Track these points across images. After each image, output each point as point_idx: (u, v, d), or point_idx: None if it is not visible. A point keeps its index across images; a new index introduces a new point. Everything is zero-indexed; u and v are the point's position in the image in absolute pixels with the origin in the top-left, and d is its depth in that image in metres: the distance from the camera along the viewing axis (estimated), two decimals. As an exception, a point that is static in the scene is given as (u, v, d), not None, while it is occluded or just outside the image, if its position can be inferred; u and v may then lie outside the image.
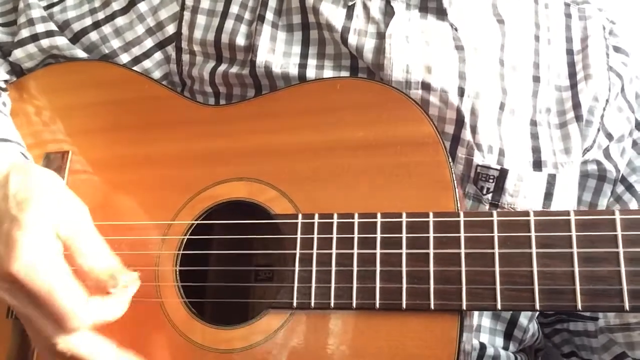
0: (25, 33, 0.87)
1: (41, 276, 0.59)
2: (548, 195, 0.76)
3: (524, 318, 0.79)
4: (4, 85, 0.86)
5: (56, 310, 0.59)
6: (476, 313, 0.77)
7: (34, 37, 0.87)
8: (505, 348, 0.79)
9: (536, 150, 0.76)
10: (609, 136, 0.80)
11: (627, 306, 0.58)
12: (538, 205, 0.75)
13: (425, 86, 0.75)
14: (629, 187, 0.81)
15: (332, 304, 0.65)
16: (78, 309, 0.60)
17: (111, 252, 0.65)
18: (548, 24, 0.83)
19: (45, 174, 0.66)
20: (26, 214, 0.61)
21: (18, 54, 0.87)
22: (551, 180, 0.75)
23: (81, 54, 0.87)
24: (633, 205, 0.80)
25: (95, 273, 0.63)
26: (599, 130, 0.79)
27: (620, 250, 0.59)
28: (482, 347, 0.76)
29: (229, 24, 0.83)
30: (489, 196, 0.75)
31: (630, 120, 0.82)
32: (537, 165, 0.76)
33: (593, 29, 0.83)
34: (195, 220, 0.73)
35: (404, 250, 0.64)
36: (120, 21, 0.87)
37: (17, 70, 0.90)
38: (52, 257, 0.61)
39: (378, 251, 0.65)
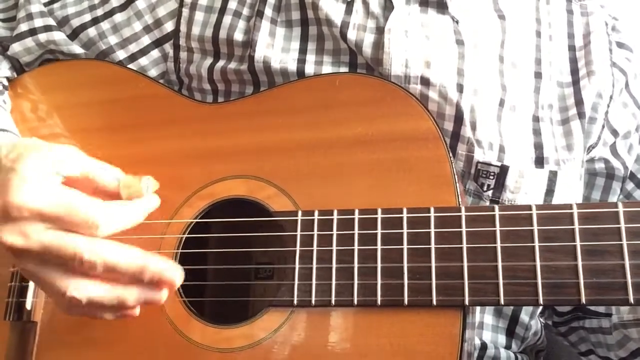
0: (23, 27, 0.87)
1: (53, 194, 0.59)
2: (549, 192, 0.75)
3: (525, 315, 0.78)
4: (6, 83, 0.86)
5: (80, 218, 0.59)
6: (478, 310, 0.76)
7: (32, 32, 0.87)
8: (508, 346, 0.78)
9: (538, 147, 0.75)
10: (615, 133, 0.79)
11: (631, 299, 0.57)
12: (539, 202, 0.75)
13: (424, 81, 0.74)
14: (639, 184, 0.81)
15: (333, 301, 0.64)
16: (99, 210, 0.60)
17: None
18: (549, 20, 0.82)
19: (30, 139, 0.66)
20: (21, 163, 0.60)
21: (16, 47, 0.87)
22: (552, 177, 0.75)
23: (78, 49, 0.87)
24: None
25: (122, 181, 0.64)
26: (603, 126, 0.78)
27: (624, 242, 0.58)
28: (483, 346, 0.76)
29: (227, 19, 0.83)
30: (490, 193, 0.74)
31: (635, 116, 0.81)
32: (539, 161, 0.75)
33: (595, 25, 0.83)
34: (194, 219, 0.73)
35: (405, 246, 0.63)
36: (118, 17, 0.87)
37: (16, 66, 0.90)
38: (56, 182, 0.61)
39: (379, 247, 0.64)
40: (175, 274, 0.62)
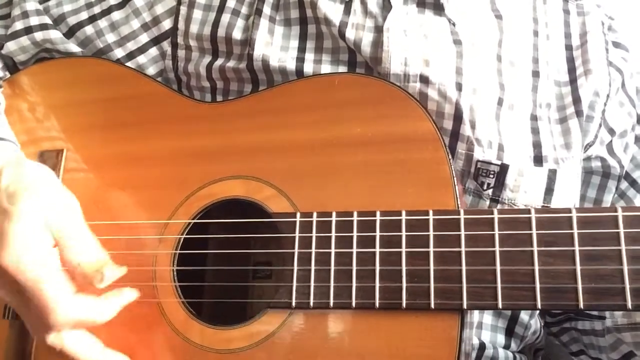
0: (19, 25, 0.86)
1: (29, 268, 0.60)
2: (549, 191, 0.75)
3: (525, 314, 0.78)
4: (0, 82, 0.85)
5: (42, 302, 0.60)
6: (477, 310, 0.76)
7: (28, 30, 0.86)
8: (507, 346, 0.79)
9: (537, 145, 0.75)
10: (611, 131, 0.79)
11: (629, 305, 0.57)
12: (539, 200, 0.75)
13: (424, 79, 0.74)
14: (633, 183, 0.81)
15: (331, 304, 0.64)
16: (62, 303, 0.61)
17: (100, 248, 0.66)
18: (546, 19, 0.82)
19: (38, 168, 0.67)
20: (17, 206, 0.61)
21: (11, 46, 0.86)
22: (552, 175, 0.75)
23: (75, 48, 0.87)
24: (637, 201, 0.79)
25: (81, 268, 0.64)
26: (600, 125, 0.78)
27: (623, 248, 0.58)
28: (482, 346, 0.76)
29: (226, 17, 0.82)
30: (490, 192, 0.74)
31: (631, 115, 0.81)
32: (538, 160, 0.75)
33: (592, 24, 0.83)
34: (192, 219, 0.72)
35: (403, 249, 0.63)
36: (116, 15, 0.87)
37: (9, 65, 0.89)
38: (41, 250, 0.62)
39: (377, 250, 0.64)
40: None
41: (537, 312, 0.81)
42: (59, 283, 0.61)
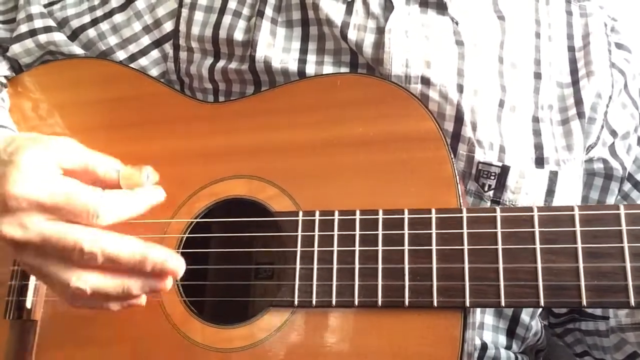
0: (23, 28, 0.87)
1: (51, 185, 0.59)
2: (550, 192, 0.75)
3: (526, 315, 0.78)
4: (4, 81, 0.86)
5: (80, 207, 0.59)
6: (479, 311, 0.76)
7: (32, 33, 0.86)
8: (508, 347, 0.79)
9: (538, 147, 0.75)
10: (614, 133, 0.79)
11: (632, 302, 0.57)
12: (540, 202, 0.75)
13: (425, 81, 0.75)
14: (636, 184, 0.81)
15: (333, 302, 0.64)
16: (99, 199, 0.59)
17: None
18: (549, 20, 0.83)
19: (29, 133, 0.66)
20: (19, 156, 0.60)
21: (16, 49, 0.87)
22: (553, 177, 0.75)
23: (78, 50, 0.87)
24: None
25: (123, 170, 0.64)
26: (602, 127, 0.78)
27: (625, 245, 0.58)
28: (484, 347, 0.76)
29: (227, 19, 0.83)
30: (490, 193, 0.74)
31: (634, 116, 0.82)
32: (540, 162, 0.75)
33: (594, 26, 0.83)
34: (195, 219, 0.72)
35: (406, 247, 0.63)
36: (118, 18, 0.87)
37: (15, 67, 0.90)
38: (55, 173, 0.60)
39: (380, 248, 0.64)
40: (178, 263, 0.61)
41: (538, 313, 0.81)
42: (87, 186, 0.60)
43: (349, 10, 0.79)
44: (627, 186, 0.81)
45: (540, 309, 0.81)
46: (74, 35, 0.88)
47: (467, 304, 0.61)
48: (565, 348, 0.90)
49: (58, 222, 0.59)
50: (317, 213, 0.67)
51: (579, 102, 0.78)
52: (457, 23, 0.78)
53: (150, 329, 0.70)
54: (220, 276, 0.76)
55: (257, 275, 0.83)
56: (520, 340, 0.79)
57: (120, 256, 0.59)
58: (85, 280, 0.60)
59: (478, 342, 0.76)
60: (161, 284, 0.62)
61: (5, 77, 0.87)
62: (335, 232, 0.66)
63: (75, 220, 0.59)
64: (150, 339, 0.70)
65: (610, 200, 0.81)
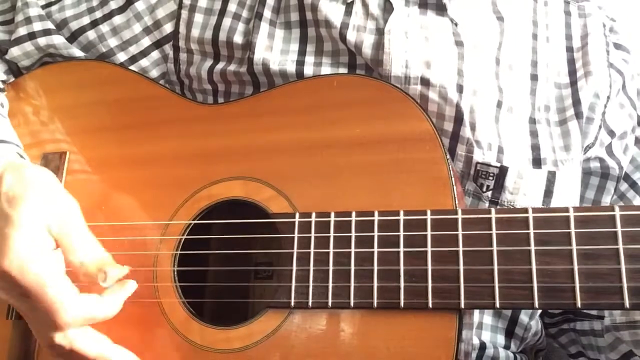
0: (22, 31, 0.87)
1: (33, 271, 0.61)
2: (548, 193, 0.75)
3: (524, 315, 0.78)
4: (2, 86, 0.86)
5: (47, 305, 0.61)
6: (477, 311, 0.76)
7: (31, 35, 0.87)
8: (507, 347, 0.79)
9: (535, 148, 0.75)
10: (611, 133, 0.79)
11: (627, 304, 0.57)
12: (538, 202, 0.75)
13: (425, 81, 0.75)
14: (633, 185, 0.81)
15: (329, 303, 0.64)
16: (68, 303, 0.61)
17: (101, 248, 0.66)
18: (547, 21, 0.82)
19: (39, 171, 0.67)
20: (17, 211, 0.62)
21: (15, 52, 0.87)
22: (551, 177, 0.75)
23: (78, 52, 0.87)
24: (637, 202, 0.79)
25: (84, 267, 0.64)
26: (600, 127, 0.78)
27: (620, 246, 0.58)
28: (482, 346, 0.76)
29: (227, 22, 0.83)
30: (489, 194, 0.74)
31: (632, 116, 0.81)
32: (537, 162, 0.75)
33: (593, 26, 0.83)
34: (193, 220, 0.73)
35: (401, 249, 0.63)
36: (117, 20, 0.87)
37: (14, 70, 0.90)
38: (43, 253, 0.62)
39: (375, 250, 0.64)
40: None
41: (538, 313, 0.81)
42: (63, 284, 0.62)
43: (348, 12, 0.79)
44: (623, 186, 0.81)
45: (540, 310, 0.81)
46: (73, 37, 0.88)
47: (462, 305, 0.61)
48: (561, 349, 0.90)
49: (24, 301, 0.62)
50: (314, 215, 0.67)
51: (577, 102, 0.78)
52: (456, 24, 0.78)
53: (149, 331, 0.71)
54: (218, 277, 0.77)
55: (255, 276, 0.84)
56: (518, 340, 0.79)
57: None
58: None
59: (476, 341, 0.76)
60: None
61: (3, 81, 0.87)
62: (331, 234, 0.66)
63: (40, 307, 0.62)
64: (150, 340, 0.71)
65: (606, 199, 0.81)
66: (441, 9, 0.79)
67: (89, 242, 0.66)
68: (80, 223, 0.66)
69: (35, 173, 0.66)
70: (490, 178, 0.74)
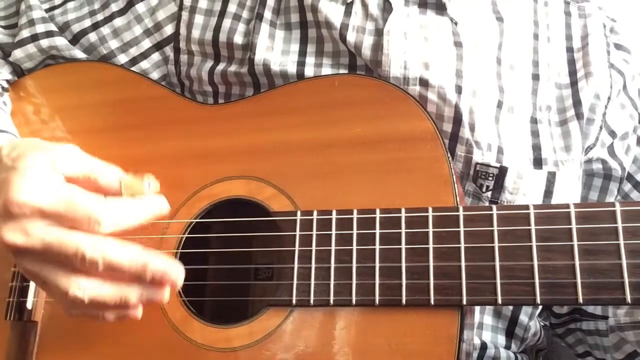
0: (25, 33, 0.87)
1: (54, 191, 0.58)
2: (548, 193, 0.75)
3: (524, 316, 0.78)
4: (6, 85, 0.87)
5: (82, 214, 0.58)
6: (477, 311, 0.76)
7: (34, 37, 0.87)
8: (507, 347, 0.78)
9: (536, 148, 0.76)
10: (613, 134, 0.79)
11: (628, 299, 0.57)
12: (537, 203, 0.75)
13: (423, 82, 0.75)
14: (637, 185, 0.81)
15: (331, 301, 0.64)
16: (101, 206, 0.59)
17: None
18: (547, 21, 0.83)
19: (31, 139, 0.66)
20: (22, 162, 0.60)
21: (18, 54, 0.88)
22: (551, 178, 0.75)
23: (80, 54, 0.88)
24: None
25: (125, 180, 0.63)
26: (601, 127, 0.78)
27: (621, 242, 0.58)
28: (483, 346, 0.76)
29: (227, 23, 0.83)
30: (489, 194, 0.75)
31: (633, 117, 0.81)
32: (538, 162, 0.75)
33: (593, 26, 0.83)
34: (194, 219, 0.73)
35: (403, 246, 0.63)
36: (118, 22, 0.88)
37: (17, 72, 0.91)
38: (58, 180, 0.60)
39: (377, 247, 0.64)
40: (178, 273, 0.61)
41: (537, 313, 0.81)
42: (90, 193, 0.60)
43: (348, 12, 0.79)
44: (627, 186, 0.81)
45: (539, 309, 0.81)
46: (75, 40, 0.89)
47: (464, 302, 0.61)
48: (566, 348, 0.90)
49: (60, 228, 0.59)
50: (315, 213, 0.67)
51: (577, 103, 0.78)
52: (456, 23, 0.78)
53: (149, 329, 0.71)
54: (219, 276, 0.77)
55: (257, 275, 0.83)
56: (519, 340, 0.79)
57: (121, 264, 0.59)
58: (84, 288, 0.60)
59: (477, 341, 0.76)
60: (160, 294, 0.62)
61: (7, 80, 0.88)
62: (333, 232, 0.66)
63: (77, 227, 0.59)
64: (150, 339, 0.71)
65: (610, 200, 0.81)
66: (441, 9, 0.79)
67: (111, 167, 0.64)
68: (91, 157, 0.64)
69: (31, 139, 0.65)
70: (490, 178, 0.74)
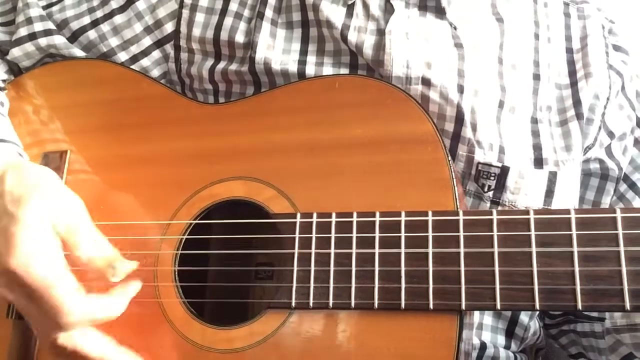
0: (23, 32, 0.87)
1: (38, 271, 0.60)
2: (549, 193, 0.75)
3: (524, 316, 0.79)
4: (2, 85, 0.86)
5: (52, 305, 0.60)
6: (477, 311, 0.76)
7: (32, 36, 0.87)
8: (507, 347, 0.79)
9: (537, 148, 0.75)
10: (611, 134, 0.79)
11: (628, 306, 0.57)
12: (539, 202, 0.75)
13: (426, 82, 0.75)
14: (632, 185, 0.81)
15: (330, 304, 0.64)
16: (74, 304, 0.61)
17: (109, 244, 0.66)
18: (547, 22, 0.83)
19: (41, 170, 0.67)
20: (23, 210, 0.61)
21: (16, 52, 0.87)
22: (552, 177, 0.75)
23: (79, 52, 0.87)
24: (636, 203, 0.79)
25: (94, 263, 0.64)
26: (600, 128, 0.78)
27: (621, 249, 0.58)
28: (483, 346, 0.76)
29: (228, 21, 0.83)
30: (490, 194, 0.74)
31: (631, 118, 0.82)
32: (538, 162, 0.75)
33: (592, 28, 0.83)
34: (194, 220, 0.73)
35: (402, 250, 0.63)
36: (118, 19, 0.87)
37: (15, 70, 0.90)
38: (49, 252, 0.61)
39: (377, 251, 0.64)
40: None
41: (537, 313, 0.81)
42: (69, 283, 0.61)
43: (349, 13, 0.79)
44: (622, 187, 0.81)
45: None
46: (73, 37, 0.88)
47: (463, 307, 0.61)
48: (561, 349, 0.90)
49: (27, 302, 0.61)
50: (315, 215, 0.67)
51: (577, 103, 0.78)
52: (455, 28, 0.78)
53: (150, 330, 0.71)
54: (219, 277, 0.77)
55: (256, 276, 0.84)
56: (519, 340, 0.80)
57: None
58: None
59: (477, 341, 0.76)
60: None
61: (4, 80, 0.87)
62: (333, 234, 0.66)
63: (43, 309, 0.61)
64: (150, 340, 0.71)
65: (606, 200, 0.81)
66: (440, 13, 0.79)
67: (96, 238, 0.65)
68: (86, 219, 0.66)
69: (37, 172, 0.66)
70: (492, 178, 0.74)
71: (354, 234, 0.65)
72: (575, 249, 0.59)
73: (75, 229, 0.64)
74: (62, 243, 0.63)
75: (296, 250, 0.67)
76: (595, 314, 0.81)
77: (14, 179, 0.64)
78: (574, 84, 0.79)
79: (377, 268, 0.64)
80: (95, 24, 0.88)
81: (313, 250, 0.66)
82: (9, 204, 0.62)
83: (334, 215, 0.66)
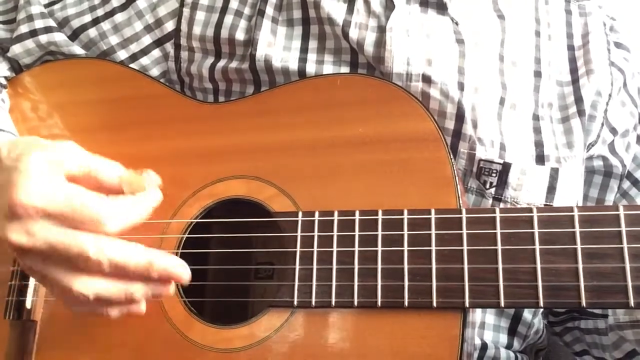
0: (24, 29, 0.87)
1: (57, 192, 0.58)
2: (551, 189, 0.75)
3: (528, 313, 0.78)
4: (4, 82, 0.86)
5: (86, 215, 0.58)
6: (479, 310, 0.76)
7: (33, 33, 0.87)
8: (509, 345, 0.79)
9: (539, 145, 0.75)
10: (613, 131, 0.79)
11: (631, 302, 0.57)
12: (541, 199, 0.75)
13: (426, 79, 0.75)
14: (635, 182, 0.81)
15: (333, 303, 0.64)
16: (104, 207, 0.59)
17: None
18: (548, 19, 0.83)
19: (30, 137, 0.65)
20: (24, 162, 0.59)
21: (16, 49, 0.87)
22: (554, 174, 0.75)
23: (79, 50, 0.87)
24: (639, 200, 0.79)
25: (125, 177, 0.63)
26: (602, 125, 0.78)
27: (625, 246, 0.58)
28: (484, 346, 0.76)
29: (229, 19, 0.83)
30: (492, 190, 0.74)
31: (633, 114, 0.82)
32: (540, 159, 0.75)
33: (593, 25, 0.83)
34: (195, 219, 0.72)
35: (405, 248, 0.63)
36: (119, 17, 0.87)
37: (15, 67, 0.90)
38: (60, 180, 0.60)
39: (379, 249, 0.64)
40: (182, 270, 0.61)
41: (541, 311, 0.81)
42: (93, 193, 0.59)
43: (350, 9, 0.79)
44: (626, 184, 0.81)
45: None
46: (74, 35, 0.88)
47: (467, 304, 0.60)
48: (565, 348, 0.90)
49: (64, 229, 0.59)
50: (317, 213, 0.67)
51: (579, 100, 0.78)
52: (457, 23, 0.78)
53: (150, 330, 0.70)
54: (220, 276, 0.76)
55: (257, 275, 0.83)
56: (521, 338, 0.79)
57: (127, 264, 0.59)
58: (89, 286, 0.59)
59: (478, 341, 0.76)
60: (164, 290, 0.62)
61: (5, 77, 0.87)
62: (335, 233, 0.66)
63: (82, 227, 0.59)
64: (150, 339, 0.70)
65: (610, 197, 0.81)
66: (442, 8, 0.79)
67: (110, 161, 0.63)
68: (90, 154, 0.63)
69: (29, 138, 0.65)
70: (494, 175, 0.74)
71: (357, 232, 0.65)
72: (578, 246, 0.59)
73: (87, 162, 0.62)
74: (83, 182, 0.61)
75: (298, 249, 0.66)
76: (598, 311, 0.81)
77: (11, 146, 0.62)
78: (575, 81, 0.80)
79: (379, 266, 0.63)
80: (96, 22, 0.88)
81: (315, 249, 0.66)
82: (9, 163, 0.60)
83: (336, 213, 0.66)
